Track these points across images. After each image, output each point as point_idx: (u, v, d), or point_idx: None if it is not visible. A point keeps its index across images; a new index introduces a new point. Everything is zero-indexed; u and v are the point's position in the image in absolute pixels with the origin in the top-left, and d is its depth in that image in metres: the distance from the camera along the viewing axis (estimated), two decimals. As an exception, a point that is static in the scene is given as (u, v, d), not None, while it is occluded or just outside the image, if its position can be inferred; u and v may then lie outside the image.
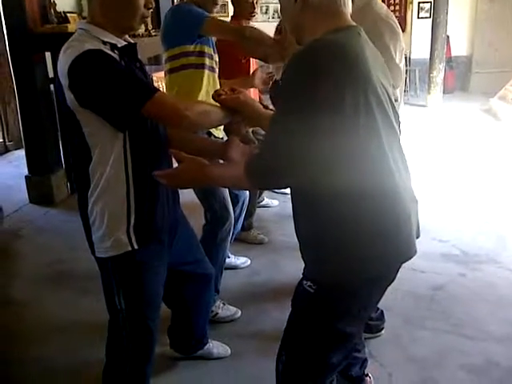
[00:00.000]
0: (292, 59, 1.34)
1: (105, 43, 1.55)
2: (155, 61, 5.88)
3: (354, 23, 1.45)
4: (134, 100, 1.50)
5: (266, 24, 7.68)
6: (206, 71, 2.53)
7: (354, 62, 1.31)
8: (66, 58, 1.49)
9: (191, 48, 2.47)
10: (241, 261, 3.27)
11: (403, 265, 1.48)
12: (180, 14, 2.46)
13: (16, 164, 5.37)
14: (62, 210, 4.29)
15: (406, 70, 7.87)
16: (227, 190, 2.63)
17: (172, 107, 1.56)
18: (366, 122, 1.31)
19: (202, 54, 2.51)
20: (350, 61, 1.31)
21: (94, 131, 1.55)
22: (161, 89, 2.51)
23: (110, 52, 1.53)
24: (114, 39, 1.58)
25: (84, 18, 4.55)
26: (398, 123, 1.48)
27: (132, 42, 1.66)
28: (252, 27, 2.48)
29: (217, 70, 2.64)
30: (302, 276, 1.52)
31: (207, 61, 2.53)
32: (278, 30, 3.63)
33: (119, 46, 1.58)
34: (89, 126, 1.54)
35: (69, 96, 1.51)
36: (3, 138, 5.99)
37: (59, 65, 1.53)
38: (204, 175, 1.51)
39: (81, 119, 1.53)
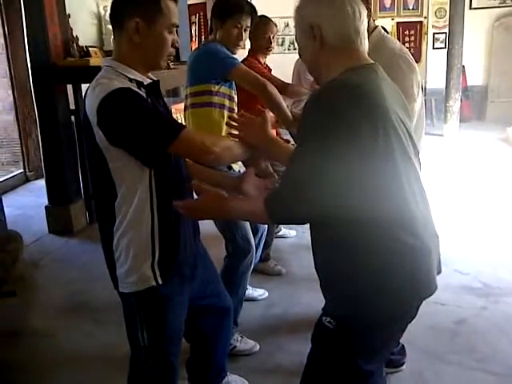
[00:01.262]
0: (309, 100, 1.36)
1: (131, 80, 1.58)
2: (173, 93, 6.00)
3: (372, 61, 1.47)
4: (163, 137, 1.53)
5: (281, 56, 7.79)
6: (226, 112, 2.59)
7: (371, 102, 1.33)
8: (95, 96, 1.52)
9: (216, 88, 2.54)
10: (258, 293, 3.25)
11: (425, 298, 1.46)
12: (212, 54, 2.53)
13: (36, 194, 5.43)
14: (81, 240, 4.33)
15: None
16: (248, 223, 2.63)
17: (200, 143, 1.58)
18: (385, 159, 1.33)
19: (223, 95, 2.57)
20: (367, 101, 1.32)
21: (121, 168, 1.57)
22: (179, 120, 2.56)
23: (137, 90, 1.56)
24: (139, 77, 1.61)
25: (106, 52, 4.67)
26: (418, 157, 1.49)
27: (155, 78, 1.70)
28: (274, 89, 2.50)
29: (236, 110, 2.68)
30: (321, 311, 1.50)
31: (227, 102, 2.60)
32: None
33: (145, 83, 1.61)
34: (115, 162, 1.56)
35: (97, 133, 1.53)
36: (24, 167, 6.08)
37: (88, 102, 1.56)
38: (222, 207, 1.52)
39: (108, 156, 1.56)
